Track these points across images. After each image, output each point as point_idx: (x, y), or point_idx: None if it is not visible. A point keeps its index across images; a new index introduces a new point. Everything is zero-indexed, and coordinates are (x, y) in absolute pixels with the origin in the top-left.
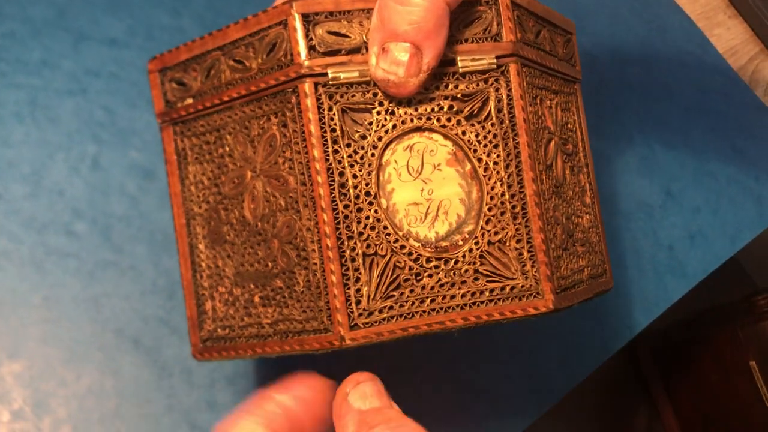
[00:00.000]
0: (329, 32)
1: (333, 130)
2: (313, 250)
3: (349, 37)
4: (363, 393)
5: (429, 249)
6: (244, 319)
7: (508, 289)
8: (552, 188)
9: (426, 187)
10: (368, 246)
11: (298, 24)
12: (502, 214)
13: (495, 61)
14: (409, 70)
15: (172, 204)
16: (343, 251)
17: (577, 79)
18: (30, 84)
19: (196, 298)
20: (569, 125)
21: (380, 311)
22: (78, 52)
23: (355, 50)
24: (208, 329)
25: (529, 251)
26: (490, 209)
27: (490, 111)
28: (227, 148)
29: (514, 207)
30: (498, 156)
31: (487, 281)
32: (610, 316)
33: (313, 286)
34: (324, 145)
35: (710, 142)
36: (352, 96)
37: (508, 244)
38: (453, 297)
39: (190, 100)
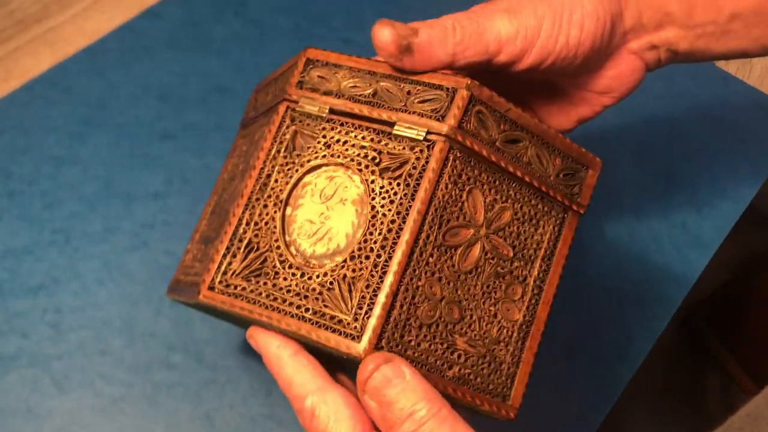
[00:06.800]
0: (318, 75)
1: (281, 142)
2: (229, 223)
3: (329, 82)
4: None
5: (299, 259)
6: (192, 268)
7: (334, 320)
8: (445, 268)
9: (326, 213)
10: (255, 235)
11: (300, 65)
12: (366, 258)
13: (423, 134)
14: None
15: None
16: (236, 231)
17: (570, 207)
18: (100, 251)
19: (186, 251)
20: (525, 236)
21: (235, 287)
22: (131, 212)
23: (328, 93)
24: (177, 277)
25: (371, 299)
26: (359, 249)
27: (403, 173)
28: (245, 148)
29: (378, 256)
30: (389, 211)
31: (324, 305)
32: (648, 299)
33: (211, 251)
34: (270, 150)
35: (704, 126)
36: (307, 124)
37: (356, 284)
38: (291, 304)
39: (252, 113)
